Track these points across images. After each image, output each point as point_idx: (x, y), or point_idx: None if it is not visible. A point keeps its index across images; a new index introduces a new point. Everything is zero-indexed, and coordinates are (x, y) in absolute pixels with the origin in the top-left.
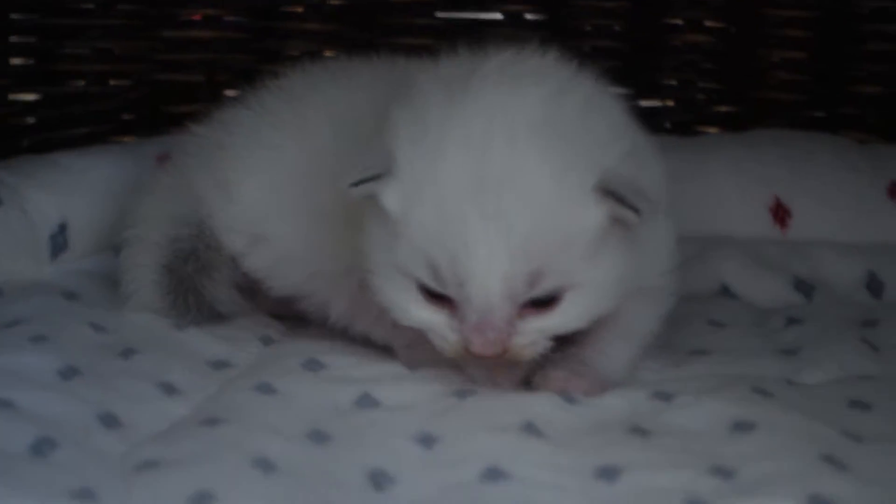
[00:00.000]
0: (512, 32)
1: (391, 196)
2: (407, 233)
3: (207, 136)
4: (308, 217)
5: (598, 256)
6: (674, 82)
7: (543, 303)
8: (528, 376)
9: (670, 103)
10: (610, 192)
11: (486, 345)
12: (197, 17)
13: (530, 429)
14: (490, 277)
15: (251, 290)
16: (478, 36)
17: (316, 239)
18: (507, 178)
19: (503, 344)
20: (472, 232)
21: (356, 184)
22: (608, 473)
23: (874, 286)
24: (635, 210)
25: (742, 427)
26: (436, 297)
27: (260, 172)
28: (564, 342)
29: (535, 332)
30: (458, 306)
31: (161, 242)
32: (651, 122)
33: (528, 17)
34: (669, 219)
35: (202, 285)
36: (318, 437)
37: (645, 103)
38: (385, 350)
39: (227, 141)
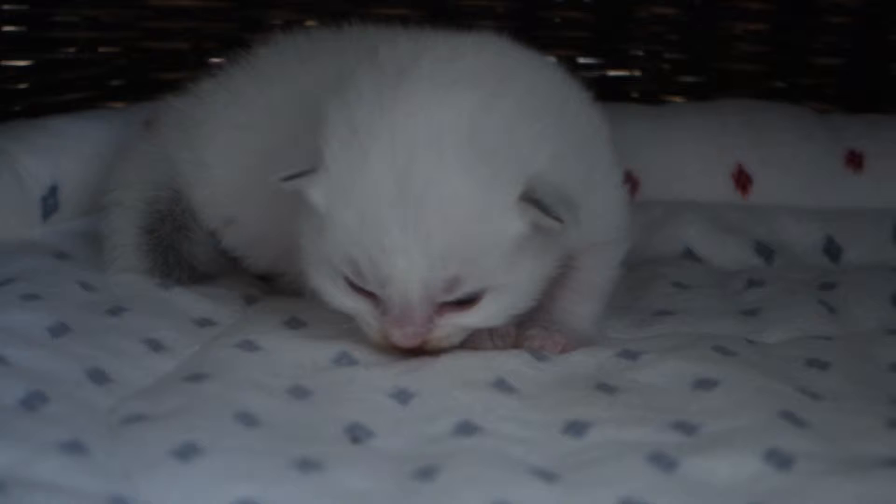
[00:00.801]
0: (486, 4)
1: (317, 193)
2: (332, 230)
3: (184, 110)
4: (277, 197)
5: (519, 261)
6: (640, 53)
7: (463, 301)
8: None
9: (637, 73)
10: (534, 202)
11: (405, 338)
12: None
13: (501, 385)
14: (408, 283)
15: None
16: (452, 7)
17: (287, 218)
18: (429, 190)
19: (422, 337)
20: (391, 240)
21: (287, 178)
22: (576, 428)
23: (832, 250)
24: (558, 220)
25: (704, 384)
26: (360, 288)
27: (232, 153)
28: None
29: (453, 326)
30: (379, 300)
31: (139, 206)
32: (618, 91)
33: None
34: (615, 172)
35: (180, 244)
36: (299, 392)
37: (612, 73)
38: None
39: (201, 118)
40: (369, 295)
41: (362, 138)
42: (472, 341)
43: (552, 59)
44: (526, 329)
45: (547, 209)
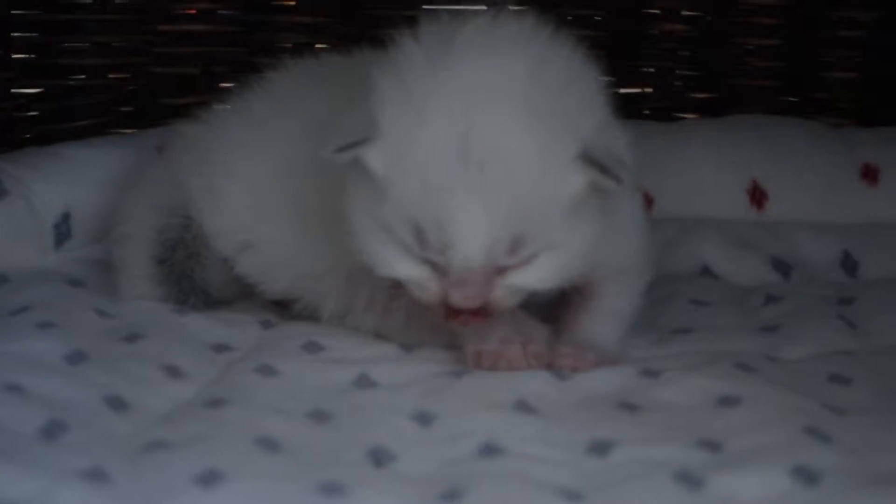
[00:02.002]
0: None
1: (376, 159)
2: (392, 195)
3: (195, 136)
4: (293, 221)
5: (576, 221)
6: (652, 70)
7: (520, 263)
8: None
9: (649, 90)
10: (592, 161)
11: (466, 299)
12: (192, 11)
13: (523, 406)
14: (472, 246)
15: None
16: None
17: (302, 242)
18: (490, 150)
19: (482, 299)
20: (456, 202)
21: (342, 149)
22: (600, 447)
23: (849, 265)
24: (616, 179)
25: (727, 402)
26: (416, 255)
27: (244, 178)
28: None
29: (512, 287)
30: (437, 264)
31: (150, 236)
32: (631, 108)
33: (511, 8)
34: (637, 199)
35: (193, 271)
36: (319, 416)
37: (625, 90)
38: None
39: (212, 145)
40: (425, 261)
41: (418, 103)
42: (508, 361)
43: None
44: (556, 348)
45: (604, 168)
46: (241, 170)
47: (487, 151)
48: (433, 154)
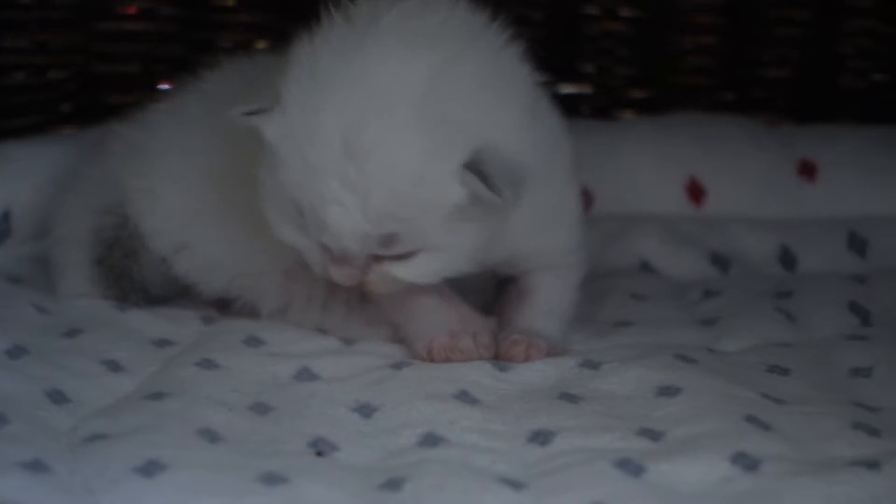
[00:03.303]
0: None
1: (272, 130)
2: (281, 170)
3: (130, 136)
4: (228, 221)
5: (458, 227)
6: (591, 69)
7: (400, 255)
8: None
9: (588, 89)
10: (477, 172)
11: (343, 278)
12: (132, 10)
13: (464, 396)
14: (344, 235)
15: None
16: None
17: (238, 241)
18: (374, 149)
19: (358, 279)
20: (330, 192)
21: (245, 114)
22: (541, 437)
23: (787, 259)
24: (499, 195)
25: (667, 391)
26: None
27: (178, 179)
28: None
29: (389, 275)
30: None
31: (86, 237)
32: (570, 107)
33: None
34: (572, 192)
35: (131, 270)
36: (261, 408)
37: (563, 90)
38: None
39: (146, 146)
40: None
41: (320, 86)
42: (461, 352)
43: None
44: (506, 337)
45: (488, 182)
46: (175, 171)
47: (370, 148)
48: (319, 139)
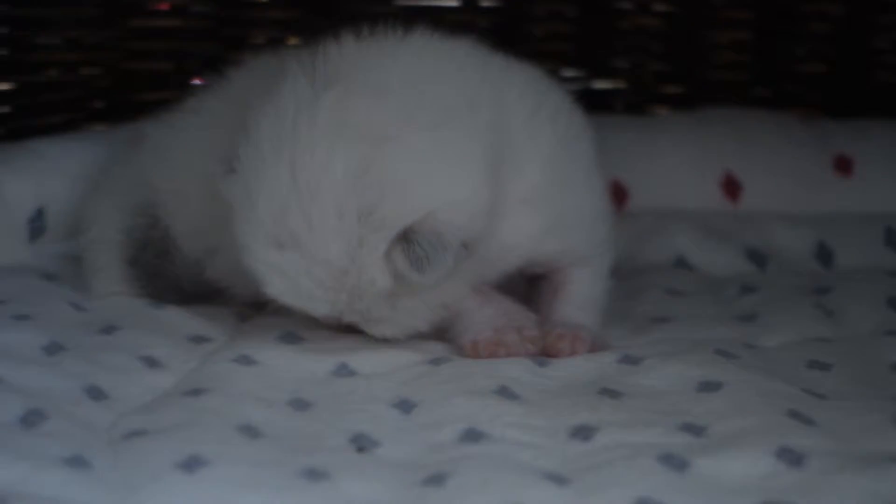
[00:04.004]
0: (468, 19)
1: (227, 191)
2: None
3: (159, 136)
4: None
5: (396, 304)
6: (625, 65)
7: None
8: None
9: (621, 85)
10: (402, 257)
11: (323, 320)
12: (164, 7)
13: (504, 392)
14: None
15: None
16: (433, 23)
17: None
18: (296, 241)
19: (337, 322)
20: (260, 272)
21: (218, 174)
22: (583, 432)
23: (824, 255)
24: (420, 276)
25: (708, 387)
26: None
27: (207, 182)
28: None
29: (364, 324)
30: None
31: (118, 239)
32: (603, 103)
33: (484, 3)
34: (598, 186)
35: (165, 269)
36: (300, 404)
37: (597, 85)
38: None
39: (176, 147)
40: None
41: (258, 166)
42: (506, 348)
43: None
44: (549, 331)
45: (409, 265)
46: (204, 173)
47: (299, 236)
48: (252, 219)
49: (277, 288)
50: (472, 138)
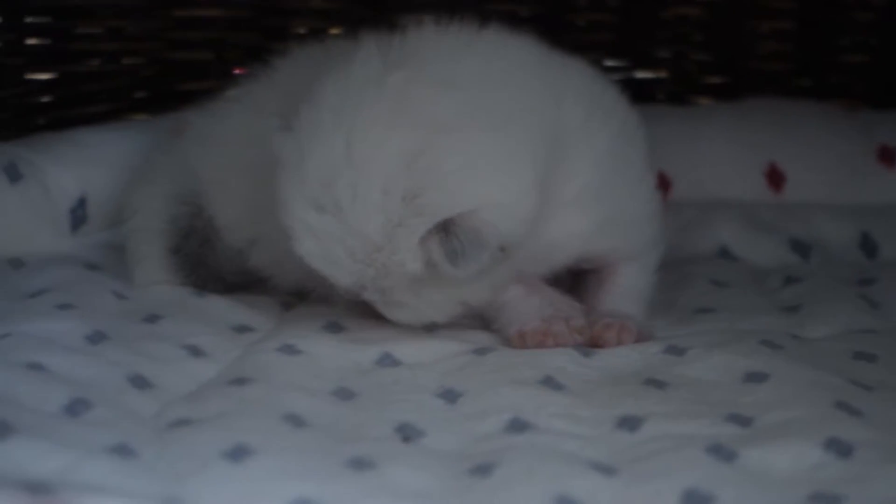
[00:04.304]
0: (511, 9)
1: (277, 144)
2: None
3: (202, 125)
4: None
5: (421, 291)
6: (667, 54)
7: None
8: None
9: (664, 75)
10: (438, 248)
11: (344, 292)
12: None
13: (550, 382)
14: (319, 274)
15: None
16: (477, 9)
17: None
18: (338, 209)
19: (358, 297)
20: (296, 230)
21: (275, 129)
22: (629, 423)
23: (868, 246)
24: (457, 270)
25: (754, 377)
26: None
27: (250, 171)
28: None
29: (380, 305)
30: None
31: (161, 227)
32: (645, 93)
33: None
34: (647, 182)
35: (207, 258)
36: (344, 393)
37: (639, 75)
38: None
39: (219, 136)
40: None
41: (317, 127)
42: (554, 337)
43: (579, 61)
44: (595, 321)
45: (447, 257)
46: (247, 163)
47: (334, 207)
48: (298, 177)
49: (308, 249)
50: (528, 144)
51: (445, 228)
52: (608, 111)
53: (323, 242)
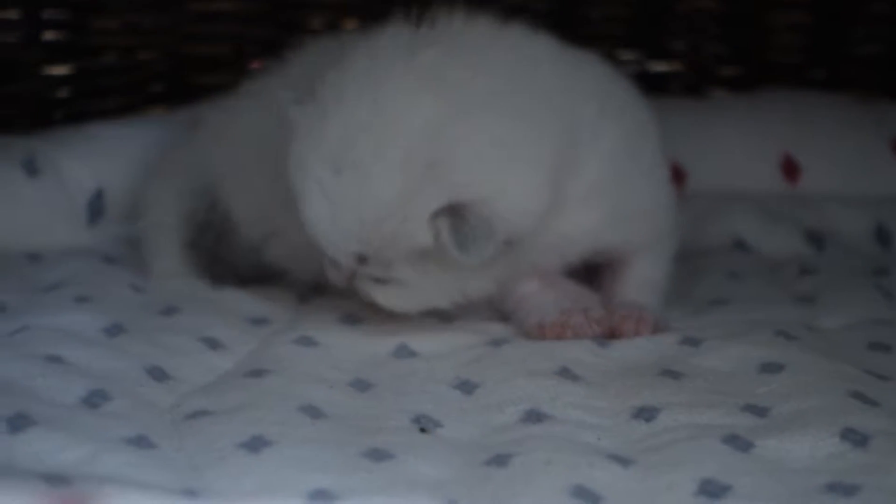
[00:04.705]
0: (525, 1)
1: (294, 110)
2: (290, 150)
3: (217, 121)
4: None
5: (423, 267)
6: (681, 47)
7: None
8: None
9: (678, 67)
10: (448, 225)
11: (332, 277)
12: None
13: (566, 373)
14: (323, 242)
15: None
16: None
17: None
18: (355, 169)
19: (344, 284)
20: (309, 192)
21: (290, 102)
22: (645, 413)
23: (883, 237)
24: (462, 252)
25: (770, 368)
26: None
27: (266, 166)
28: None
29: (368, 289)
30: None
31: (178, 221)
32: (660, 85)
33: None
34: (661, 174)
35: (223, 254)
36: (361, 385)
37: (654, 67)
38: None
39: (234, 132)
40: None
41: (340, 93)
42: (573, 329)
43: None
44: (614, 311)
45: (455, 237)
46: (263, 157)
47: (352, 167)
48: (317, 138)
49: (317, 212)
50: (545, 140)
51: (458, 211)
52: (621, 106)
53: (334, 205)
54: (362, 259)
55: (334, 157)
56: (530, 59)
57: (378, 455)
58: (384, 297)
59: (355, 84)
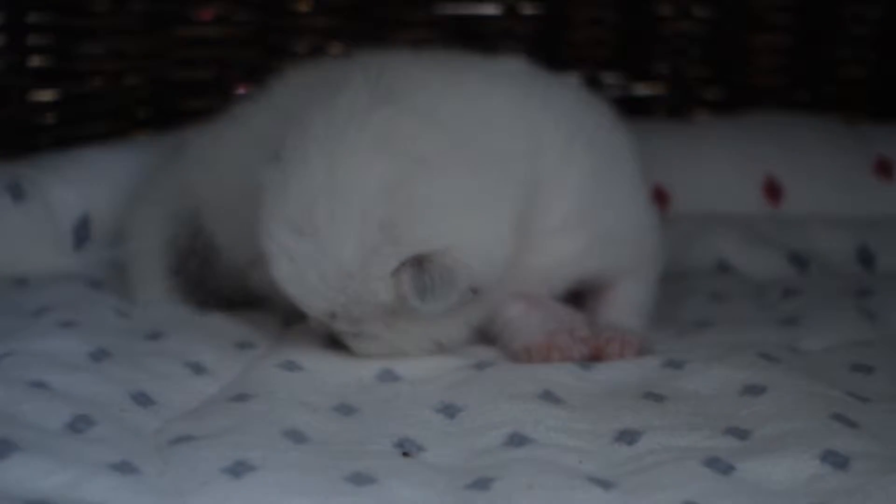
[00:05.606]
0: (509, 26)
1: (263, 174)
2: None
3: (200, 147)
4: None
5: (391, 323)
6: (665, 69)
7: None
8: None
9: (662, 90)
10: (409, 281)
11: (312, 324)
12: (207, 16)
13: (548, 396)
14: (293, 300)
15: None
16: (475, 30)
17: None
18: (321, 228)
19: (322, 332)
20: (274, 254)
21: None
22: (627, 436)
23: (866, 258)
24: (423, 305)
25: (752, 390)
26: None
27: (251, 192)
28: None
29: (349, 338)
30: None
31: (162, 247)
32: (644, 108)
33: (525, 11)
34: (641, 199)
35: (207, 279)
36: (345, 409)
37: (637, 90)
38: None
39: (217, 158)
40: None
41: (302, 155)
42: (560, 351)
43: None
44: (599, 333)
45: (413, 289)
46: (246, 183)
47: (314, 235)
48: (281, 212)
49: (283, 273)
50: (506, 187)
51: (419, 263)
52: (590, 136)
53: (299, 266)
54: (332, 315)
55: (295, 220)
56: (491, 102)
57: (361, 479)
58: (357, 347)
59: (314, 146)
